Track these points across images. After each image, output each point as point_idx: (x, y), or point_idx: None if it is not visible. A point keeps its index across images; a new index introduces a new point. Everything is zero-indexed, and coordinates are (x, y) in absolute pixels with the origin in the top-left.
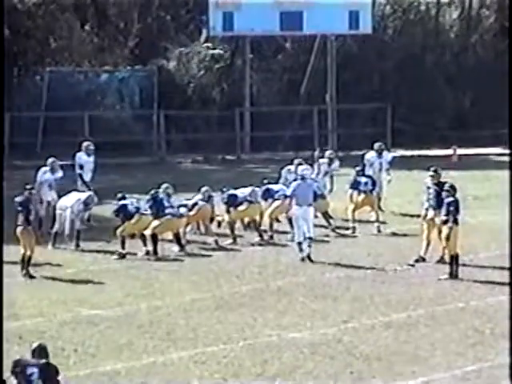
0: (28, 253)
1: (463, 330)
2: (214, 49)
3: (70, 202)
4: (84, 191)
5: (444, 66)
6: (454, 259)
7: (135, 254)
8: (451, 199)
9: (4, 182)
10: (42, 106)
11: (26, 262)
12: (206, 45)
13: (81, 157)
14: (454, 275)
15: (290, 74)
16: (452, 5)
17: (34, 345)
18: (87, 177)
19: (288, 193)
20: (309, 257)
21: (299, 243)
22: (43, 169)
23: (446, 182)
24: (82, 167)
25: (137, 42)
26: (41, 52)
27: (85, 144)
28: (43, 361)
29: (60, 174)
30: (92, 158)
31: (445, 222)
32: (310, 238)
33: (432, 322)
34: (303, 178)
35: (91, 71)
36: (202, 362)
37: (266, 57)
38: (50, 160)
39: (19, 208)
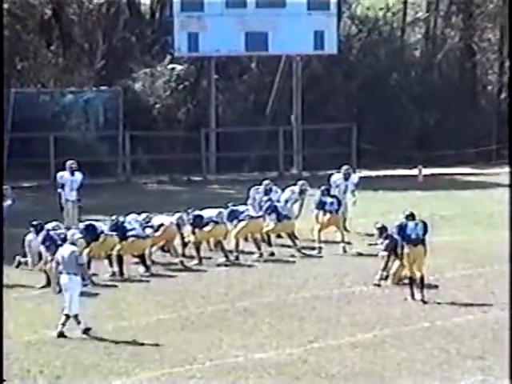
0: None
1: (429, 350)
2: (179, 70)
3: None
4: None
5: (409, 85)
6: (412, 281)
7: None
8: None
9: None
10: (7, 127)
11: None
12: (171, 66)
13: (62, 176)
14: (412, 297)
15: (256, 95)
16: (417, 24)
17: None
18: (70, 195)
19: (54, 264)
20: (88, 329)
21: (75, 316)
22: None
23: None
24: (62, 186)
25: (102, 63)
26: (6, 73)
27: (68, 163)
28: None
29: (9, 202)
30: (75, 177)
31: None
32: (66, 316)
33: (398, 342)
34: (73, 244)
35: (56, 92)
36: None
37: (231, 77)
38: (3, 187)
39: (45, 244)
